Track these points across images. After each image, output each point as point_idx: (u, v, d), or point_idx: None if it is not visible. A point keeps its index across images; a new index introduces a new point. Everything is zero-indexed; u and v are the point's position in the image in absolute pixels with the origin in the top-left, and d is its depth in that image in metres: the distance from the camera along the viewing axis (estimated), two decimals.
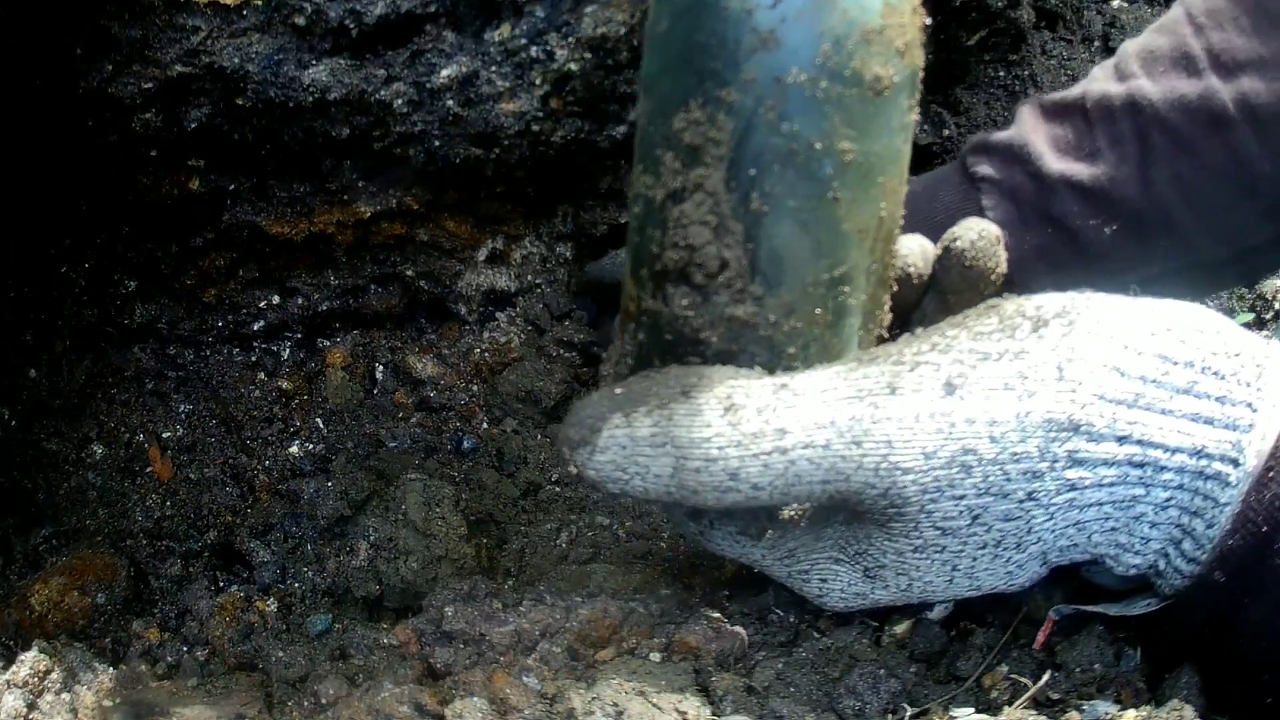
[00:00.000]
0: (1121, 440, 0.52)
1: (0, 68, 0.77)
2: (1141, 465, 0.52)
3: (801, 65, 0.49)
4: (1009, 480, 0.52)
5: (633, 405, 0.53)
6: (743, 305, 0.53)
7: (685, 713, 0.60)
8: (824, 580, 0.61)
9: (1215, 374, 0.52)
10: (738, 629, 0.66)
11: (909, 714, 0.59)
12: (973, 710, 0.59)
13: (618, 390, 0.54)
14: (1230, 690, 0.56)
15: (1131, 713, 0.54)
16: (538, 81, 0.79)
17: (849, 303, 0.54)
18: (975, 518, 0.53)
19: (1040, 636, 0.60)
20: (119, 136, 0.82)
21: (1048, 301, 0.54)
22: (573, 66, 0.78)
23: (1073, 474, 0.52)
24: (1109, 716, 0.55)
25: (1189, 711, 0.53)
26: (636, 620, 0.68)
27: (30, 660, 0.62)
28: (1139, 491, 0.53)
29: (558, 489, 0.94)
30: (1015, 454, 0.51)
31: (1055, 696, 0.58)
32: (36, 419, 0.96)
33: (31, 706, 0.61)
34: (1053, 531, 0.54)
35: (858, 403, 0.51)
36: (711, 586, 0.77)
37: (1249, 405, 0.51)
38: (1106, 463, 0.52)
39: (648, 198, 0.54)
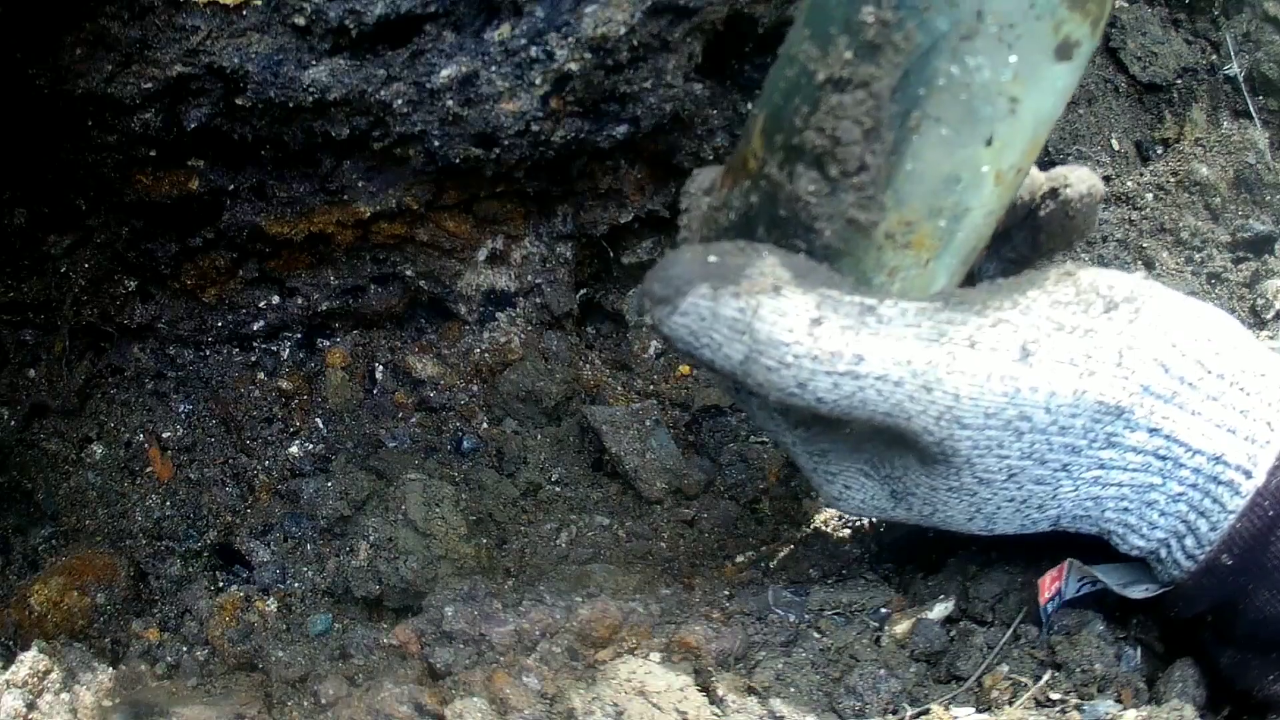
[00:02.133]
0: (1153, 432, 0.55)
1: (1, 68, 0.77)
2: (1165, 458, 0.55)
3: (1007, 7, 0.49)
4: (1051, 450, 0.55)
5: (723, 280, 0.52)
6: (866, 212, 0.53)
7: (685, 713, 0.60)
8: (848, 486, 0.63)
9: (1242, 390, 0.55)
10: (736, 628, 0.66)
11: (909, 714, 0.60)
12: (973, 710, 0.59)
13: (711, 258, 0.53)
14: (1233, 677, 0.58)
15: (1131, 713, 0.54)
16: (538, 81, 0.79)
17: (960, 238, 0.55)
18: (1011, 476, 0.56)
19: (1047, 582, 0.61)
20: (119, 136, 0.82)
21: (1119, 283, 0.56)
22: (573, 66, 0.78)
23: (1105, 454, 0.55)
24: (1109, 716, 0.55)
25: (1189, 711, 0.53)
26: (636, 620, 0.67)
27: (30, 660, 0.62)
28: (1156, 480, 0.56)
29: (558, 489, 0.94)
30: (1063, 427, 0.54)
31: (1055, 696, 0.58)
32: (36, 419, 0.96)
33: (31, 706, 0.60)
34: (1073, 500, 0.57)
35: (937, 348, 0.53)
36: (711, 586, 0.77)
37: (1268, 424, 0.55)
38: (1136, 450, 0.55)
39: (807, 69, 0.53)
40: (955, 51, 0.50)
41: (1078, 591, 0.62)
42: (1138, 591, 0.59)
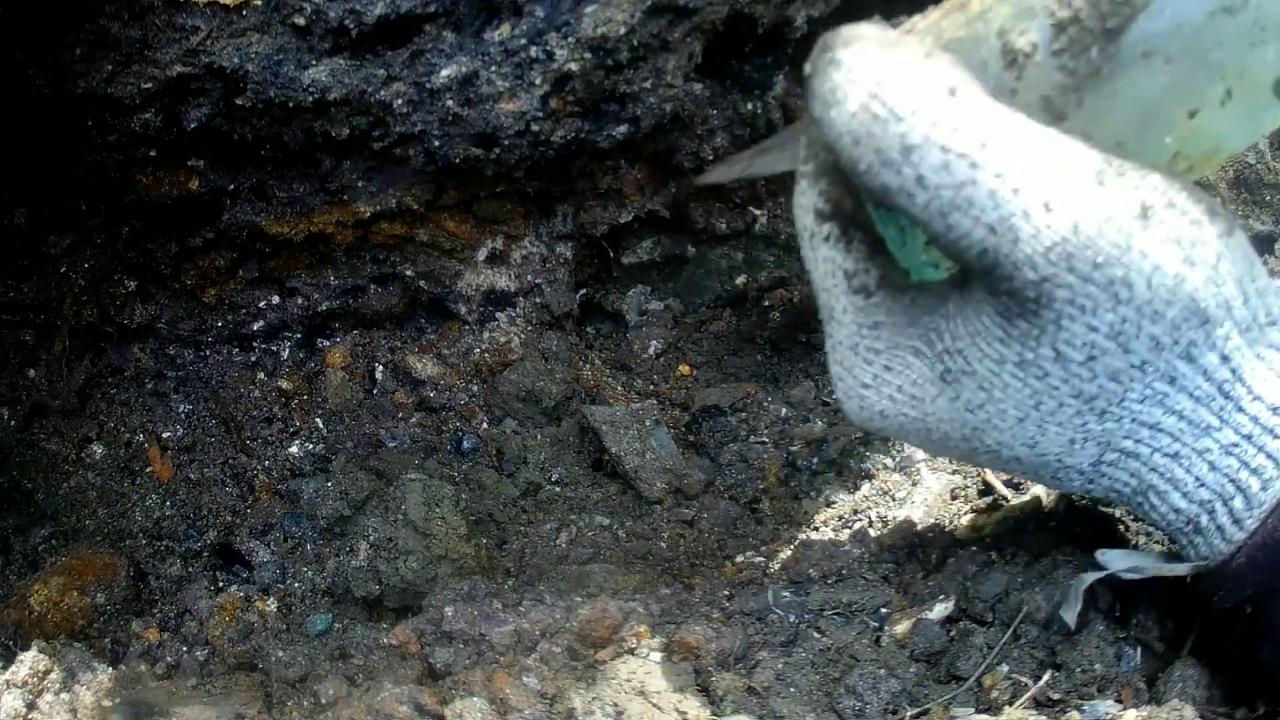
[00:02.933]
0: (1224, 360, 0.53)
1: (1, 68, 0.77)
2: (1228, 396, 0.53)
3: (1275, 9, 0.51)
4: (1137, 337, 0.52)
5: (889, 41, 0.51)
6: (1063, 99, 0.53)
7: (685, 713, 0.60)
8: (889, 368, 0.58)
9: None
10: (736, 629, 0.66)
11: (909, 714, 0.60)
12: (973, 710, 0.59)
13: (887, 29, 0.53)
14: (1275, 673, 0.55)
15: (1131, 713, 0.54)
16: (538, 81, 0.79)
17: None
18: (1090, 358, 0.52)
19: (1076, 616, 0.59)
20: (119, 136, 0.82)
21: (1215, 199, 0.55)
22: (573, 66, 0.78)
23: (1181, 365, 0.53)
24: (1109, 716, 0.55)
25: (1189, 711, 0.53)
26: (636, 620, 0.68)
27: (30, 660, 0.62)
28: (1214, 422, 0.53)
29: (557, 489, 0.94)
30: (1156, 312, 0.51)
31: (1055, 696, 0.58)
32: (36, 419, 0.96)
33: (31, 706, 0.61)
34: (1133, 419, 0.54)
35: (1067, 171, 0.50)
36: (711, 586, 0.77)
37: None
38: (1206, 374, 0.53)
39: None
40: (1215, 15, 0.50)
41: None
42: (1166, 572, 0.56)
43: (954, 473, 0.84)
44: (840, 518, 0.84)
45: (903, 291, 0.58)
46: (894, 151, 0.49)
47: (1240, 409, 0.53)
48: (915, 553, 0.73)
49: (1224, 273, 0.52)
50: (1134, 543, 0.68)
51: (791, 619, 0.68)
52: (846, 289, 0.59)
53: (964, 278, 0.56)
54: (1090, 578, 0.58)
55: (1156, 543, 0.68)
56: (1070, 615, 0.59)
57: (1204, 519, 0.54)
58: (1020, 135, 0.50)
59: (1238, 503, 0.53)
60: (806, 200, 0.59)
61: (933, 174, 0.49)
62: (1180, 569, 0.56)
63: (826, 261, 0.59)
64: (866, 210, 0.59)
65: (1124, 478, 0.56)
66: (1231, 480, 0.53)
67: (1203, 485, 0.54)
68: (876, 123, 0.50)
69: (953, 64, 0.51)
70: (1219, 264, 0.52)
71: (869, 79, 0.50)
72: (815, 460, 0.93)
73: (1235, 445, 0.53)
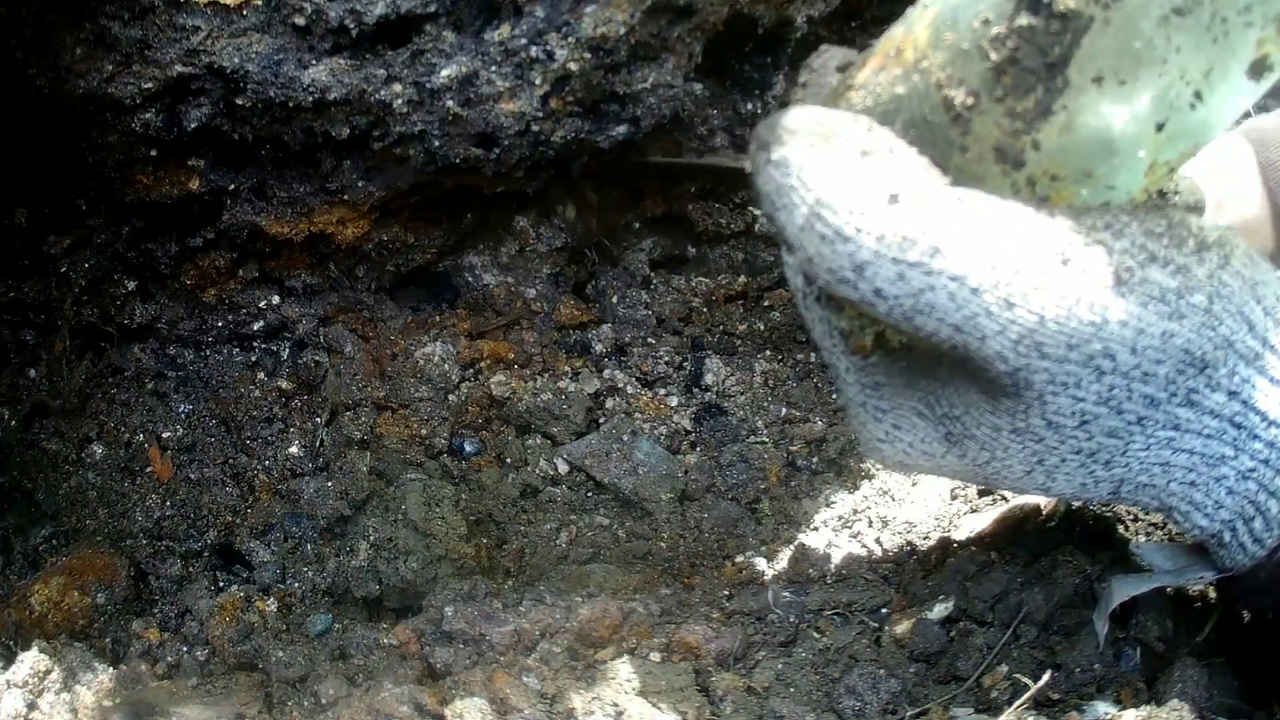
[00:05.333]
0: (1232, 396, 0.51)
1: (1, 68, 0.77)
2: (1240, 427, 0.52)
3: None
4: (1129, 399, 0.51)
5: (826, 138, 0.49)
6: (1017, 144, 0.50)
7: (685, 713, 0.60)
8: (897, 426, 0.58)
9: None
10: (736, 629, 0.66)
11: (909, 714, 0.60)
12: (973, 710, 0.59)
13: (827, 118, 0.50)
14: None
15: (1131, 713, 0.54)
16: (538, 81, 0.79)
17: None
18: (1084, 423, 0.51)
19: (1104, 624, 0.58)
20: (119, 136, 0.82)
21: (1207, 224, 0.53)
22: (573, 66, 0.78)
23: (1183, 413, 0.51)
24: (1109, 716, 0.55)
25: (1189, 711, 0.53)
26: (636, 620, 0.68)
27: (30, 660, 0.62)
28: (1228, 452, 0.52)
29: (557, 490, 0.94)
30: (1146, 374, 0.50)
31: (1055, 696, 0.58)
32: (36, 419, 0.96)
33: (31, 706, 0.61)
34: (1142, 463, 0.53)
35: (1026, 258, 0.48)
36: (711, 586, 0.77)
37: None
38: (1213, 413, 0.52)
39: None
40: (1165, 20, 0.47)
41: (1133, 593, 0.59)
42: (1194, 580, 0.56)
43: None
44: (840, 518, 0.84)
45: (898, 353, 0.57)
46: (847, 270, 0.48)
47: (1255, 436, 0.52)
48: (915, 553, 0.73)
49: (1220, 311, 0.51)
50: (1135, 542, 0.68)
51: (791, 619, 0.68)
52: (844, 349, 0.58)
53: None
54: (1122, 593, 0.58)
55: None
56: (1101, 627, 0.59)
57: (1226, 535, 0.54)
58: (974, 228, 0.48)
59: (1258, 524, 0.53)
60: (794, 259, 0.57)
61: (889, 286, 0.48)
62: (1209, 576, 0.56)
63: (822, 321, 0.59)
64: None
65: (1145, 499, 0.55)
66: (1251, 502, 0.53)
67: (1222, 508, 0.53)
68: (825, 243, 0.48)
69: (892, 148, 0.49)
70: (1213, 306, 0.50)
71: (809, 194, 0.49)
72: (815, 460, 0.93)
73: (1252, 471, 0.52)
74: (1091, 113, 0.49)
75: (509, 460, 0.96)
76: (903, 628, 0.65)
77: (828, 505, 0.87)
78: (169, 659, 0.77)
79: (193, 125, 0.81)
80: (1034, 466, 0.54)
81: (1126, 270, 0.49)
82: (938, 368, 0.55)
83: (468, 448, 0.96)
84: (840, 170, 0.48)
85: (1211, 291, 0.50)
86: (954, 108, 0.50)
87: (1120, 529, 0.68)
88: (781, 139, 0.49)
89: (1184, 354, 0.50)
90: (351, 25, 0.75)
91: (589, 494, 0.94)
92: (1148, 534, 0.70)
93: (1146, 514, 0.71)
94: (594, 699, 0.60)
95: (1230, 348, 0.51)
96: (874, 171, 0.48)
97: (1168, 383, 0.50)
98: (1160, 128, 0.50)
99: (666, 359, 1.02)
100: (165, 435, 0.97)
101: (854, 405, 0.60)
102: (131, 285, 0.96)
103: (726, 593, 0.75)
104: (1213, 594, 0.62)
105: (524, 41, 0.77)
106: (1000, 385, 0.51)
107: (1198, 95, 0.49)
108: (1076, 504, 0.71)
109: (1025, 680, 0.59)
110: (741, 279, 1.05)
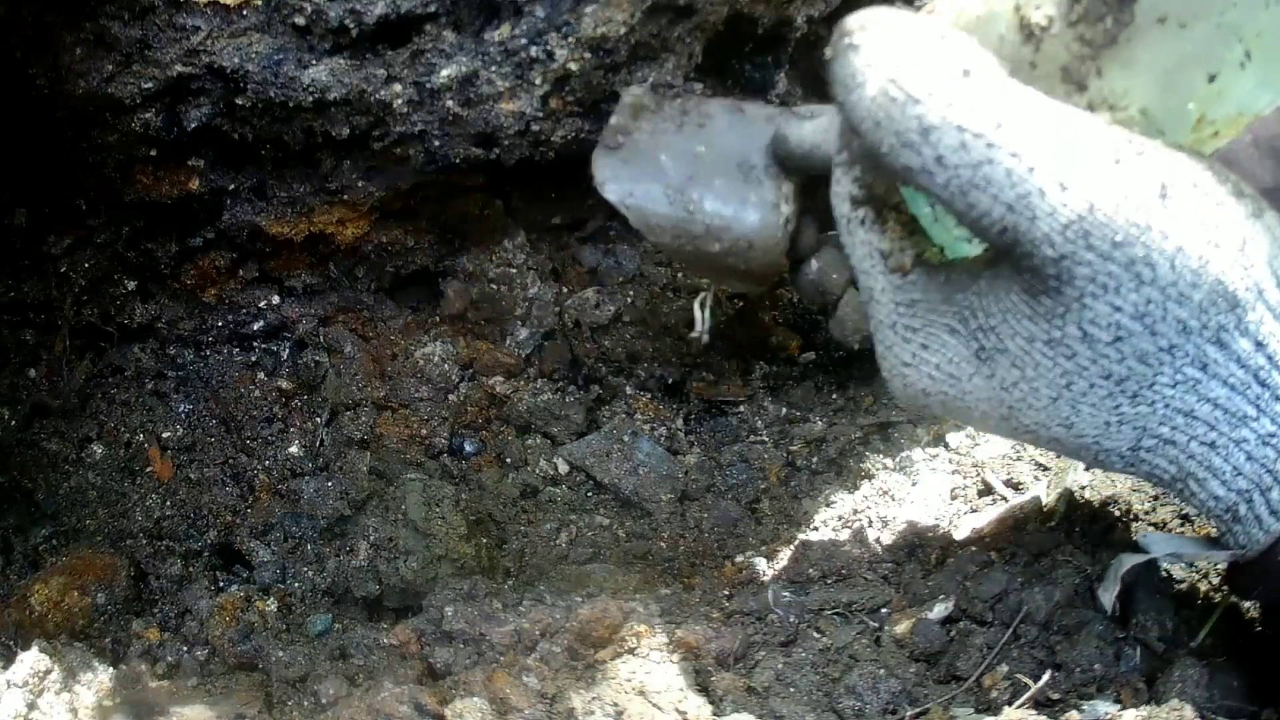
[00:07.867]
0: (1259, 346, 0.52)
1: (1, 68, 0.77)
2: (1264, 384, 0.52)
3: None
4: (1163, 319, 0.51)
5: (904, 24, 0.52)
6: (1083, 66, 0.54)
7: (685, 713, 0.60)
8: (925, 346, 0.59)
9: None
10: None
11: (909, 714, 0.60)
12: (972, 710, 0.59)
13: (902, 12, 0.54)
14: None
15: (1131, 713, 0.54)
16: (538, 81, 0.79)
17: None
18: (1117, 339, 0.52)
19: (1114, 600, 0.59)
20: (119, 136, 0.82)
21: (1242, 180, 0.54)
22: (573, 66, 0.78)
23: (1211, 352, 0.52)
24: (1109, 716, 0.55)
25: (1189, 711, 0.53)
26: (636, 620, 0.68)
27: (30, 660, 0.62)
28: (1251, 411, 0.53)
29: (557, 490, 0.94)
30: (1181, 294, 0.51)
31: (1055, 696, 0.58)
32: (36, 419, 0.96)
33: (31, 706, 0.61)
34: (1166, 405, 0.54)
35: (1083, 149, 0.50)
36: (711, 586, 0.77)
37: None
38: (1239, 361, 0.52)
39: None
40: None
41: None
42: (1205, 558, 0.56)
43: (954, 473, 0.84)
44: (840, 518, 0.84)
45: (937, 270, 0.59)
46: (913, 133, 0.50)
47: (1278, 398, 0.52)
48: (915, 553, 0.73)
49: (1252, 255, 0.52)
50: (1142, 534, 0.68)
51: (791, 619, 0.68)
52: (883, 269, 0.60)
53: (994, 255, 0.56)
54: (1130, 561, 0.58)
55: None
56: (1108, 599, 0.59)
57: (1242, 508, 0.54)
58: (1037, 114, 0.50)
59: (1275, 494, 0.53)
60: (841, 189, 0.61)
61: (950, 154, 0.50)
62: (1220, 556, 0.56)
63: (864, 245, 0.61)
64: (899, 192, 0.60)
65: (1163, 464, 0.56)
66: (1269, 471, 0.53)
67: (1240, 475, 0.54)
68: (895, 106, 0.50)
69: (968, 43, 0.52)
70: (1245, 247, 0.51)
71: (886, 63, 0.51)
72: (815, 460, 0.93)
73: (1273, 435, 0.52)
74: (1153, 49, 0.53)
75: (509, 460, 0.96)
76: (903, 628, 0.65)
77: (828, 505, 0.87)
78: (169, 659, 0.77)
79: (193, 125, 0.81)
80: (1061, 391, 0.55)
81: (1171, 185, 0.51)
82: (977, 280, 0.57)
83: (468, 448, 0.96)
84: (917, 49, 0.51)
85: (1246, 234, 0.52)
86: (1029, 26, 0.54)
87: (1120, 529, 0.68)
88: (865, 25, 0.53)
89: (1217, 283, 0.51)
90: (351, 25, 0.75)
91: (589, 494, 0.94)
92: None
93: (1152, 511, 0.71)
94: (594, 699, 0.60)
95: (1260, 295, 0.52)
96: (949, 51, 0.51)
97: (1200, 311, 0.51)
98: (1212, 79, 0.53)
99: None
100: (165, 435, 0.97)
101: (883, 328, 0.61)
102: (131, 285, 0.96)
103: (726, 592, 0.75)
104: (1216, 596, 0.62)
105: (524, 41, 0.77)
106: (1043, 278, 0.52)
107: (1248, 55, 0.52)
108: (1079, 499, 0.71)
109: (1025, 680, 0.59)
110: None
